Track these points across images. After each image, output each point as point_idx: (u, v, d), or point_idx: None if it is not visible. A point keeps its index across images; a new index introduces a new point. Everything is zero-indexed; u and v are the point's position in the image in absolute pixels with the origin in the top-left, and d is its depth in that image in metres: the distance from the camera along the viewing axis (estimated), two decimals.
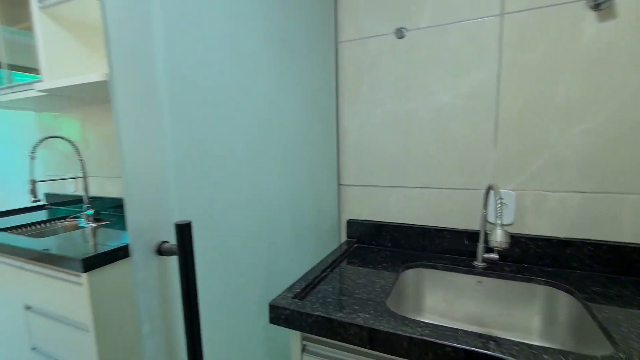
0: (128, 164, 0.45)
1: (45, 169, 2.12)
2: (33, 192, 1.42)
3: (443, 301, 0.94)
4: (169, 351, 0.54)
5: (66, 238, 1.30)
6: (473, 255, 0.99)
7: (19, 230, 1.53)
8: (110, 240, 1.24)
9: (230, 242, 0.69)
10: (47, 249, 1.12)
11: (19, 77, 1.64)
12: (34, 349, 1.27)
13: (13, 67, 1.60)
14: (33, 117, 2.11)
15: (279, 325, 0.69)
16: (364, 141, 1.12)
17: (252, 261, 0.76)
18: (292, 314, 0.67)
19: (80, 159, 1.59)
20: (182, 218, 0.49)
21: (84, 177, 1.59)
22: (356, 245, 1.14)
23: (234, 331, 0.72)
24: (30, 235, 1.39)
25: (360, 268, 0.92)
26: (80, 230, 1.44)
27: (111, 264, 1.11)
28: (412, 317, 0.84)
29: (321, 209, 1.07)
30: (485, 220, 0.91)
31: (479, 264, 0.92)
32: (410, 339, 0.57)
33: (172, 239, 0.52)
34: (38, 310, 1.22)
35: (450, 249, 1.02)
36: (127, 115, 0.44)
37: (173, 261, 0.53)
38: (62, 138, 1.60)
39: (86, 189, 1.59)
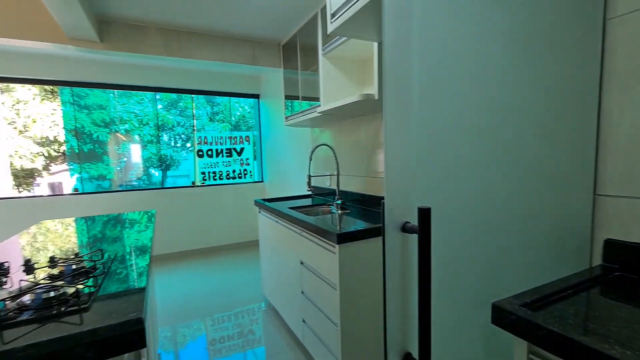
0: (389, 161, 0.62)
1: (312, 168, 2.94)
2: (309, 184, 2.04)
3: None
4: (404, 309, 0.68)
5: (324, 219, 1.79)
6: None
7: (300, 209, 2.23)
8: (352, 225, 1.60)
9: (456, 234, 0.76)
10: (316, 225, 1.60)
11: (303, 104, 2.38)
12: (302, 292, 1.83)
13: (304, 98, 2.36)
14: (308, 132, 2.98)
15: (502, 327, 0.69)
16: None
17: (473, 258, 0.79)
18: (519, 320, 0.65)
19: (337, 161, 2.12)
20: (421, 205, 0.61)
21: (337, 175, 2.10)
22: (617, 273, 0.89)
23: (451, 313, 0.78)
24: (305, 213, 2.01)
25: (620, 302, 0.74)
26: (330, 215, 1.93)
27: (354, 242, 1.43)
28: None
29: (565, 221, 0.92)
30: None
31: None
32: None
33: (413, 220, 0.66)
34: (307, 265, 1.75)
35: None
36: (391, 125, 0.62)
37: (412, 239, 0.67)
38: (327, 146, 2.18)
39: (338, 184, 2.10)
